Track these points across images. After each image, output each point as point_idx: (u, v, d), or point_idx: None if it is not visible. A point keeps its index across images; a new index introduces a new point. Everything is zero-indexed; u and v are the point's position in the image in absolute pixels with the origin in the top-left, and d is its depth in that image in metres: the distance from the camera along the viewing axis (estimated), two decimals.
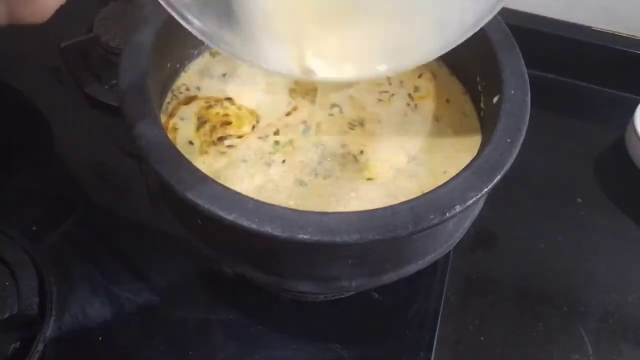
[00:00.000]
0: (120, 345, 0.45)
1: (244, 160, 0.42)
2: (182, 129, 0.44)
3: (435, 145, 0.43)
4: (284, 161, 0.42)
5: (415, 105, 0.46)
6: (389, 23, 0.32)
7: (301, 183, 0.41)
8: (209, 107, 0.45)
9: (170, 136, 0.43)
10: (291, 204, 0.39)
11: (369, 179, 0.41)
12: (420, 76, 0.48)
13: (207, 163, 0.42)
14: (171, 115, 0.44)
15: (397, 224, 0.31)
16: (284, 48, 0.31)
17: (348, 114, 0.45)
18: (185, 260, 0.50)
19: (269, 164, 0.42)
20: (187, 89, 0.46)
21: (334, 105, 0.45)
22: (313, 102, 0.45)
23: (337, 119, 0.45)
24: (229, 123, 0.44)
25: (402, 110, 0.45)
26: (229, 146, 0.43)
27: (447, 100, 0.46)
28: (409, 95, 0.47)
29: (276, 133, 0.43)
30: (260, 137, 0.43)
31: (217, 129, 0.43)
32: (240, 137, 0.43)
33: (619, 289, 0.50)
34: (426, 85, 0.47)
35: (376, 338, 0.47)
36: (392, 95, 0.46)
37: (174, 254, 0.50)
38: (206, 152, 0.42)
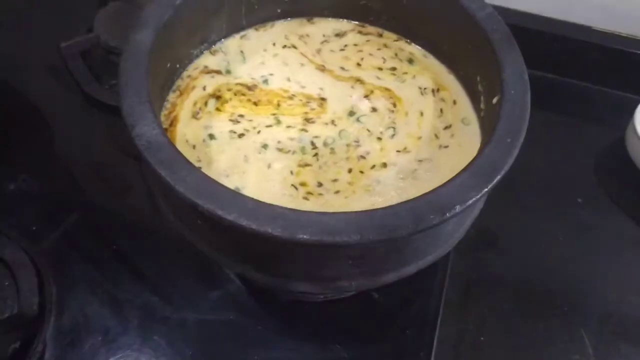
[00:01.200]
0: (120, 345, 0.45)
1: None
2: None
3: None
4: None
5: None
6: None
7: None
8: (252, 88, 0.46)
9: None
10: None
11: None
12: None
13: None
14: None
15: (397, 224, 0.31)
16: None
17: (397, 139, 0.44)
18: (185, 260, 0.50)
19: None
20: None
21: (388, 127, 0.45)
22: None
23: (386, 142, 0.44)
24: (255, 104, 0.45)
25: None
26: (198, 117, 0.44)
27: (454, 102, 0.46)
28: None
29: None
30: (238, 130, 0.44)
31: (229, 100, 0.45)
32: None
33: (619, 289, 0.50)
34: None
35: (376, 338, 0.47)
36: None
37: (174, 254, 0.50)
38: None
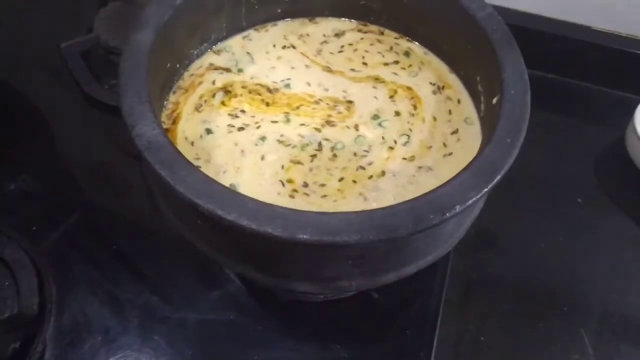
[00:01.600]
0: (120, 345, 0.45)
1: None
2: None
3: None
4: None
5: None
6: None
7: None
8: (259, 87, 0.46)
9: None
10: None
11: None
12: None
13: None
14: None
15: (397, 224, 0.31)
16: None
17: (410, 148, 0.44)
18: (185, 260, 0.50)
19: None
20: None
21: (402, 134, 0.44)
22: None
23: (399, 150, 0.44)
24: (267, 104, 0.45)
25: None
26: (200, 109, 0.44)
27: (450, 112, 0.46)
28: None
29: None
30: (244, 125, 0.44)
31: (238, 96, 0.45)
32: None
33: (619, 289, 0.50)
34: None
35: (376, 338, 0.47)
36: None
37: (174, 254, 0.50)
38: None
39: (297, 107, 0.45)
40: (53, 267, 0.48)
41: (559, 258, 0.52)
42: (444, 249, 0.39)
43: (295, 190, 0.40)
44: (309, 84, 0.47)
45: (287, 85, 0.47)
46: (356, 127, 0.44)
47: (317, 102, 0.46)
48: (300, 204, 0.39)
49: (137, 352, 0.45)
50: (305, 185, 0.40)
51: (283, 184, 0.40)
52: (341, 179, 0.41)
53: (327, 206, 0.39)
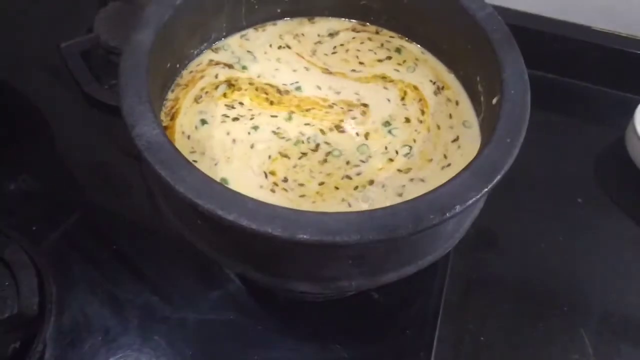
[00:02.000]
0: (120, 345, 0.45)
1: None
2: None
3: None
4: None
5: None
6: None
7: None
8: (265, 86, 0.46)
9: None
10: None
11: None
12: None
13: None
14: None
15: (397, 224, 0.31)
16: None
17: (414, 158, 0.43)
18: (185, 260, 0.50)
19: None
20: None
21: (405, 145, 0.43)
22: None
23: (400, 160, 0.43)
24: (271, 103, 0.45)
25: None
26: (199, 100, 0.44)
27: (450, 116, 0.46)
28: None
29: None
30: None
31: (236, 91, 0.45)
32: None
33: (619, 289, 0.50)
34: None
35: (376, 338, 0.47)
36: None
37: (174, 254, 0.50)
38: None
39: (307, 110, 0.45)
40: (53, 267, 0.48)
41: (559, 258, 0.52)
42: (444, 249, 0.39)
43: (275, 184, 0.40)
44: (319, 87, 0.46)
45: (298, 88, 0.46)
46: (366, 136, 0.44)
47: (330, 107, 0.45)
48: (278, 199, 0.39)
49: (137, 352, 0.45)
50: (285, 180, 0.40)
51: (266, 176, 0.40)
52: (321, 184, 0.40)
53: (306, 206, 0.39)
